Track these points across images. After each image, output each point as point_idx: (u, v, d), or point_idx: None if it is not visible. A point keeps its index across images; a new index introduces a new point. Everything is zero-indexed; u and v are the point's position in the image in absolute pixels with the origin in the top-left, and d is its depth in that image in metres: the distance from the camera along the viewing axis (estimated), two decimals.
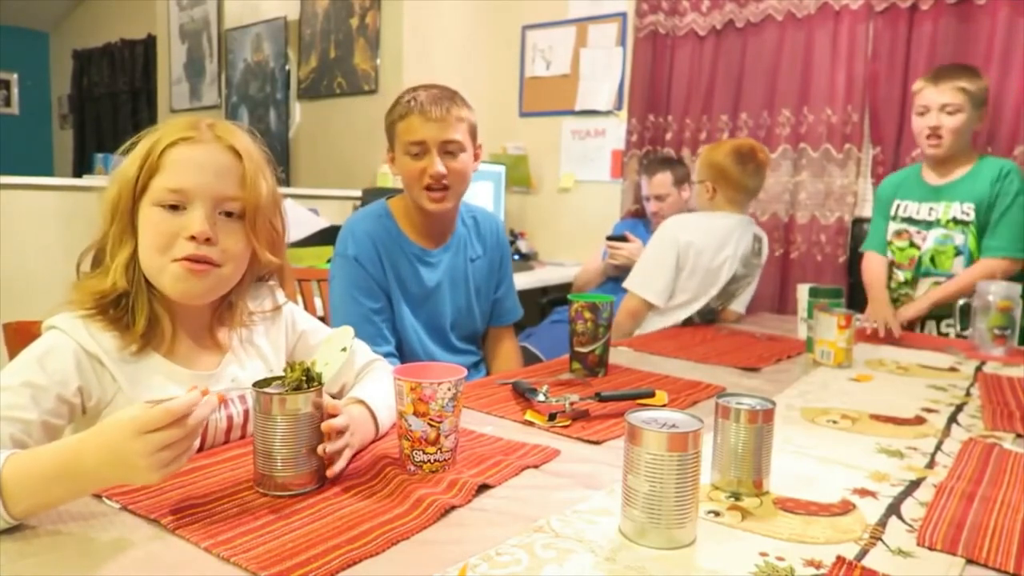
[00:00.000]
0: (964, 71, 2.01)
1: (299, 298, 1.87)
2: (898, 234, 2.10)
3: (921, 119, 2.01)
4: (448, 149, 1.48)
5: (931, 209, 2.04)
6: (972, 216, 1.97)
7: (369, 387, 1.04)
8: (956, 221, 1.99)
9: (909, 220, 2.07)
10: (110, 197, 0.91)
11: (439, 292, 1.61)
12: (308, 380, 0.83)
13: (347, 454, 0.86)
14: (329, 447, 0.83)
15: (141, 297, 0.91)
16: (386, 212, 1.59)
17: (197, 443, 0.74)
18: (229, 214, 0.92)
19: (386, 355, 1.49)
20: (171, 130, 0.92)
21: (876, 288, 2.01)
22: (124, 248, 0.91)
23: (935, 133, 1.97)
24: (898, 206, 2.08)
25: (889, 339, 1.82)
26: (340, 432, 0.85)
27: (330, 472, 0.83)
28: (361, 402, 0.98)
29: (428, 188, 1.49)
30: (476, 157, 1.56)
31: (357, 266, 1.51)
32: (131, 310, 0.91)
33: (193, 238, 0.88)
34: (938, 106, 1.96)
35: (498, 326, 1.77)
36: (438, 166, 1.46)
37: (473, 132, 1.54)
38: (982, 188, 1.96)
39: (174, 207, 0.89)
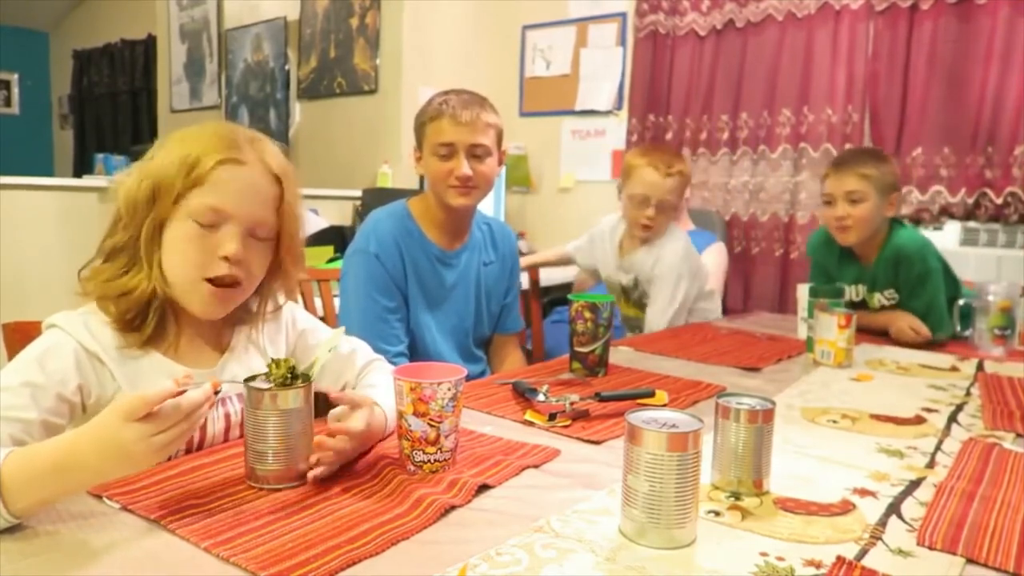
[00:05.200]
0: (869, 157, 1.91)
1: (299, 298, 1.86)
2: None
3: (828, 209, 1.91)
4: (475, 152, 1.52)
5: (859, 290, 2.00)
6: (897, 298, 1.93)
7: (380, 390, 1.04)
8: (884, 307, 1.96)
9: (850, 303, 2.02)
10: (143, 193, 0.89)
11: (456, 292, 1.63)
12: (294, 377, 0.84)
13: (335, 460, 0.85)
14: (330, 442, 0.83)
15: (164, 302, 0.92)
16: (407, 213, 1.61)
17: (197, 426, 0.74)
18: (255, 235, 0.93)
19: (397, 355, 1.49)
20: (216, 144, 0.91)
21: (866, 314, 1.95)
22: (157, 251, 0.91)
23: (842, 224, 1.87)
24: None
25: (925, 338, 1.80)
26: (351, 435, 0.85)
27: (312, 475, 0.82)
28: (377, 405, 0.97)
29: (453, 187, 1.52)
30: (500, 162, 1.60)
31: (377, 263, 1.52)
32: (146, 312, 0.91)
33: (226, 259, 0.89)
34: (842, 194, 1.86)
35: (504, 334, 1.78)
36: (465, 168, 1.50)
37: (499, 138, 1.58)
38: (891, 276, 1.90)
39: (211, 223, 0.89)
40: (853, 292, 2.01)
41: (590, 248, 2.24)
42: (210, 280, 0.90)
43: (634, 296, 2.12)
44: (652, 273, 2.03)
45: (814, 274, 2.11)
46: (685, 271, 2.03)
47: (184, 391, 0.71)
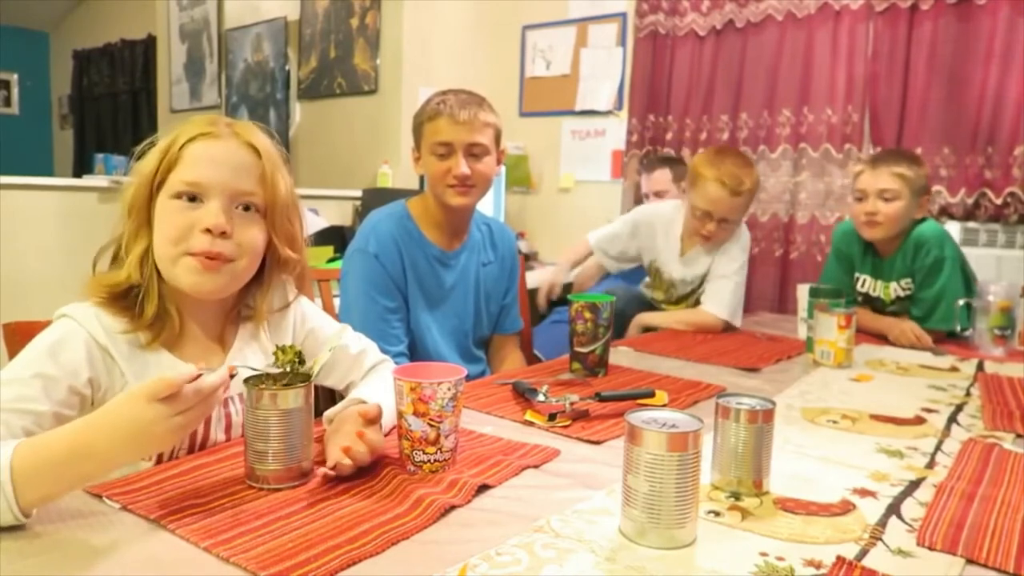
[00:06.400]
0: (904, 158, 1.93)
1: (315, 297, 1.86)
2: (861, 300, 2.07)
3: (859, 204, 1.92)
4: (473, 152, 1.51)
5: (876, 286, 2.02)
6: (911, 288, 1.95)
7: (372, 386, 1.05)
8: (900, 298, 1.97)
9: (866, 296, 2.04)
10: (129, 194, 0.93)
11: (455, 293, 1.64)
12: (300, 363, 0.84)
13: (350, 470, 0.85)
14: (355, 450, 0.83)
15: (152, 290, 0.92)
16: (406, 214, 1.61)
17: (213, 409, 0.75)
18: (246, 208, 0.93)
19: (397, 355, 1.49)
20: (190, 127, 0.93)
21: (868, 316, 1.97)
22: (140, 242, 0.92)
23: (872, 220, 1.89)
24: (858, 279, 2.06)
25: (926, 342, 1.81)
26: (371, 448, 0.85)
27: (321, 471, 0.83)
28: (362, 402, 0.98)
29: (452, 186, 1.52)
30: (499, 161, 1.60)
31: (377, 264, 1.52)
32: (141, 302, 0.92)
33: (208, 231, 0.89)
34: (876, 191, 1.88)
35: (503, 334, 1.78)
36: (463, 167, 1.50)
37: (498, 137, 1.58)
38: (908, 264, 1.93)
39: (191, 199, 0.90)
40: (870, 287, 2.03)
41: (631, 237, 2.17)
42: (192, 254, 0.89)
43: (680, 291, 2.10)
44: (717, 260, 2.01)
45: (834, 262, 2.11)
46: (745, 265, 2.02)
47: (201, 375, 0.72)
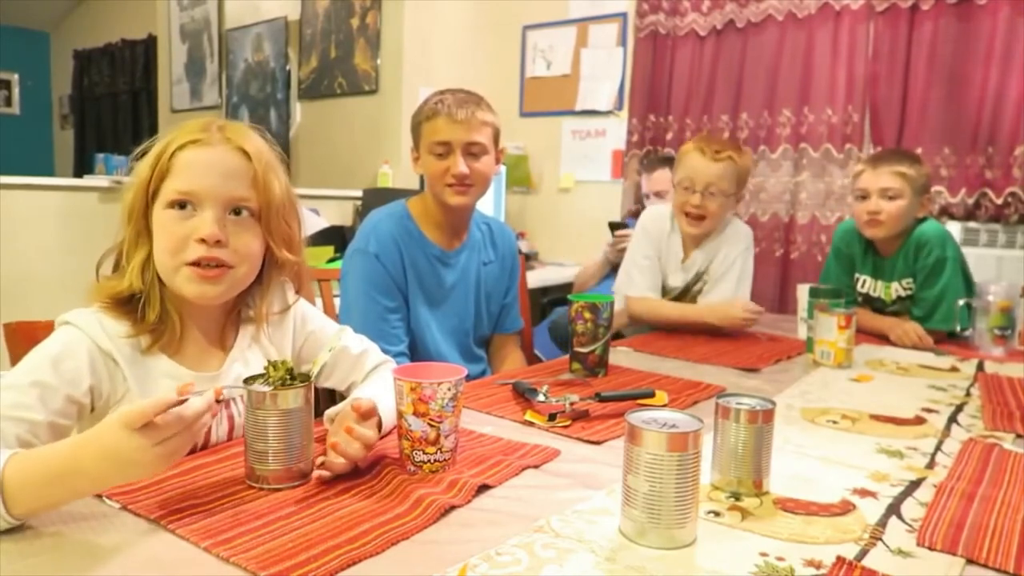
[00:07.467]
0: (905, 157, 1.94)
1: (315, 300, 1.86)
2: (861, 300, 2.07)
3: (861, 204, 1.92)
4: (471, 151, 1.52)
5: (876, 286, 2.02)
6: (912, 288, 1.94)
7: (373, 386, 1.05)
8: (901, 298, 1.98)
9: (867, 296, 2.05)
10: (126, 201, 0.93)
11: (455, 292, 1.64)
12: (291, 379, 0.84)
13: (345, 469, 0.85)
14: (344, 446, 0.83)
15: (154, 296, 0.92)
16: (406, 213, 1.61)
17: (200, 435, 0.74)
18: (239, 212, 0.93)
19: (398, 355, 1.49)
20: (182, 133, 0.93)
21: (869, 316, 1.97)
22: (140, 250, 0.92)
23: (875, 219, 1.89)
24: (858, 279, 2.06)
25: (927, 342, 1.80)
26: (363, 442, 0.85)
27: (316, 474, 0.83)
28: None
29: (450, 185, 1.52)
30: (497, 160, 1.60)
31: (377, 263, 1.53)
32: (143, 307, 0.92)
33: (203, 241, 0.89)
34: (877, 190, 1.88)
35: (504, 333, 1.78)
36: (461, 166, 1.50)
37: (496, 136, 1.57)
38: (909, 263, 1.92)
39: (183, 207, 0.90)
40: (871, 287, 2.03)
41: (657, 259, 2.02)
42: (190, 264, 0.90)
43: (672, 296, 2.03)
44: (718, 256, 1.97)
45: (834, 262, 2.10)
46: (749, 264, 1.98)
47: (187, 399, 0.71)
